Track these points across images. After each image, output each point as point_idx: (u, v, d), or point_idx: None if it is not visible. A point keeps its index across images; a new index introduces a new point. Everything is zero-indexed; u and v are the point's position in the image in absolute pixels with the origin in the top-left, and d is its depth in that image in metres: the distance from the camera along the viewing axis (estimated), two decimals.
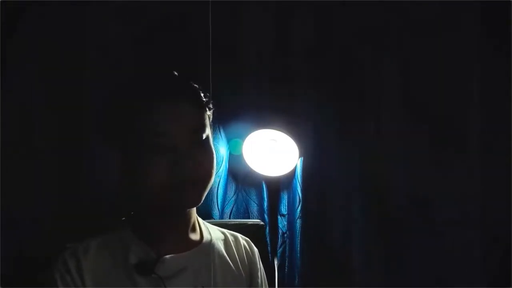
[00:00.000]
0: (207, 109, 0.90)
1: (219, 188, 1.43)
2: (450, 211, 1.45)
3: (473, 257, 1.44)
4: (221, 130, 1.45)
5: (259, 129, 1.40)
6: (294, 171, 1.47)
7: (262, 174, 1.45)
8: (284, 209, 1.50)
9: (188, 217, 0.92)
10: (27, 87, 1.26)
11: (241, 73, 1.47)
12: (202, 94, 0.89)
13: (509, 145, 1.42)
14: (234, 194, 1.49)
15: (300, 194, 1.46)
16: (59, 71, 1.29)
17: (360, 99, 1.49)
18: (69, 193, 1.28)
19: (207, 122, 0.89)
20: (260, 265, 1.00)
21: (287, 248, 1.48)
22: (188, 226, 0.92)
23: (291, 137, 1.39)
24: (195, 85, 0.89)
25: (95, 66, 1.32)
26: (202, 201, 0.87)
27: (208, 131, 0.88)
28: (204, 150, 0.87)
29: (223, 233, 1.00)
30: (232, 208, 1.48)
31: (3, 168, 1.20)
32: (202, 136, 0.87)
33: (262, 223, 1.27)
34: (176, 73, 0.90)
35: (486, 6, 1.47)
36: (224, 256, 0.95)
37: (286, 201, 1.51)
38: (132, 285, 0.84)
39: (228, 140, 1.46)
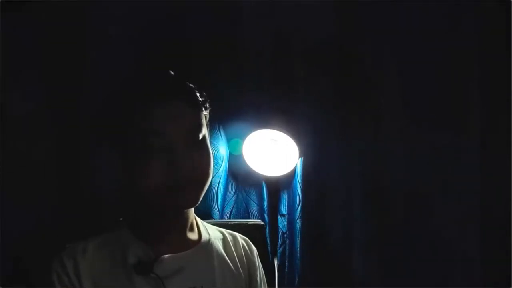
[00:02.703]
0: (204, 108, 0.90)
1: (219, 188, 1.43)
2: (450, 211, 1.44)
3: (473, 257, 1.43)
4: (221, 130, 1.45)
5: (259, 129, 1.40)
6: (294, 171, 1.47)
7: (262, 174, 1.44)
8: (284, 209, 1.50)
9: (186, 217, 0.92)
10: (26, 87, 1.27)
11: (241, 73, 1.47)
12: (198, 94, 0.89)
13: (510, 145, 1.41)
14: (234, 194, 1.49)
15: (300, 194, 1.46)
16: (58, 71, 1.30)
17: (360, 99, 1.49)
18: (69, 193, 1.29)
19: (204, 122, 0.89)
20: (259, 264, 1.00)
21: (287, 248, 1.47)
22: (186, 225, 0.92)
23: (291, 137, 1.39)
24: (191, 84, 0.89)
25: (94, 67, 1.32)
26: (199, 201, 0.87)
27: (204, 131, 0.88)
28: (201, 150, 0.87)
29: (221, 232, 1.00)
30: (232, 208, 1.48)
31: (3, 168, 1.20)
32: (198, 136, 0.87)
33: (262, 223, 1.27)
34: (172, 72, 0.90)
35: (487, 6, 1.46)
36: (223, 256, 0.95)
37: (286, 201, 1.51)
38: (130, 285, 0.84)
39: (228, 140, 1.46)
